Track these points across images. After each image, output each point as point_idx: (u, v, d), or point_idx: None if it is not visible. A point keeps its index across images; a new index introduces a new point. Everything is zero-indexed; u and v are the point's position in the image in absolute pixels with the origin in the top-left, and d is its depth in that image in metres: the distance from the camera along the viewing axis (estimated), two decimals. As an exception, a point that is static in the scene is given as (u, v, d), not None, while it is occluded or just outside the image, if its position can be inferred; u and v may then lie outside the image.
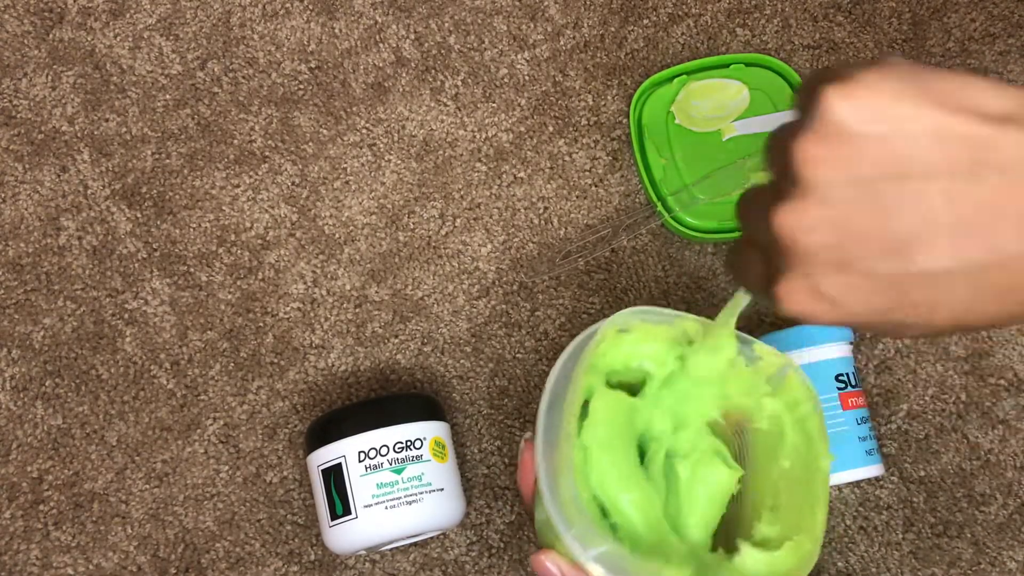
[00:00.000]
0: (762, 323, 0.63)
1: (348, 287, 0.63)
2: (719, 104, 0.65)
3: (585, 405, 0.45)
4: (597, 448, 0.43)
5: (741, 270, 0.36)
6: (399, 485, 0.53)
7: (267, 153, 0.65)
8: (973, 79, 0.30)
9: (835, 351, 0.57)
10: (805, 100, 0.31)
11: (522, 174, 0.65)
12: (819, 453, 0.44)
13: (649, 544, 0.43)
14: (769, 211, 0.32)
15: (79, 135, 0.65)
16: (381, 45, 0.67)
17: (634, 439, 0.45)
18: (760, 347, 0.46)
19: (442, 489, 0.54)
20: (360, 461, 0.53)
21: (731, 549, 0.44)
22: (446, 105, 0.66)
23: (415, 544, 0.59)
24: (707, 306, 0.63)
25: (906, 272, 0.30)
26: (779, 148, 0.32)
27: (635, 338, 0.45)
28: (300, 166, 0.65)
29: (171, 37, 0.66)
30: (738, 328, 0.44)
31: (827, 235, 0.31)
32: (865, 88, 0.30)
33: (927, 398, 0.62)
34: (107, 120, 0.65)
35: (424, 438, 0.55)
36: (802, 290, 0.33)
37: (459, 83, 0.66)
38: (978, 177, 0.29)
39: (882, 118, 0.30)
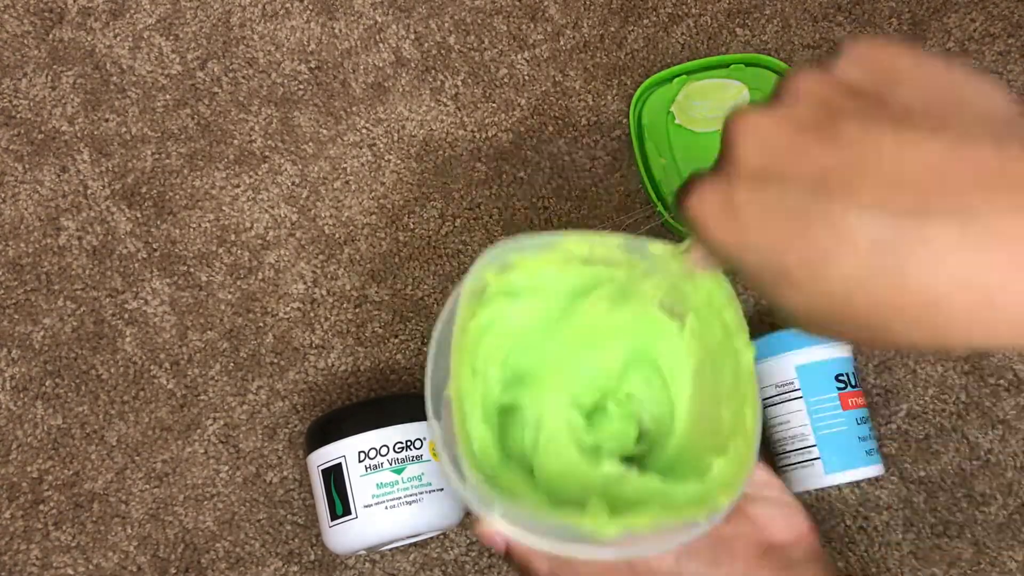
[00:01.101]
0: (762, 323, 0.63)
1: (348, 287, 0.63)
2: (719, 104, 0.65)
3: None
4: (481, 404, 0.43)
5: (681, 193, 0.34)
6: (399, 485, 0.53)
7: (267, 153, 0.65)
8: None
9: (835, 351, 0.57)
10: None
11: (522, 174, 0.65)
12: (738, 348, 0.42)
13: (564, 485, 0.42)
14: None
15: (79, 135, 0.64)
16: (381, 45, 0.67)
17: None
18: (655, 246, 0.43)
19: (442, 489, 0.54)
20: (360, 461, 0.53)
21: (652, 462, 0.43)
22: (446, 105, 0.66)
23: (415, 544, 0.59)
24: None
25: (818, 210, 0.27)
26: (785, 76, 0.31)
27: (520, 277, 0.43)
28: (300, 166, 0.65)
29: (171, 37, 0.66)
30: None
31: (767, 144, 0.29)
32: (880, 44, 0.30)
33: (927, 398, 0.62)
34: (107, 120, 0.65)
35: (424, 438, 0.55)
36: (715, 194, 0.30)
37: (459, 83, 0.66)
38: (941, 137, 0.26)
39: (882, 61, 0.29)
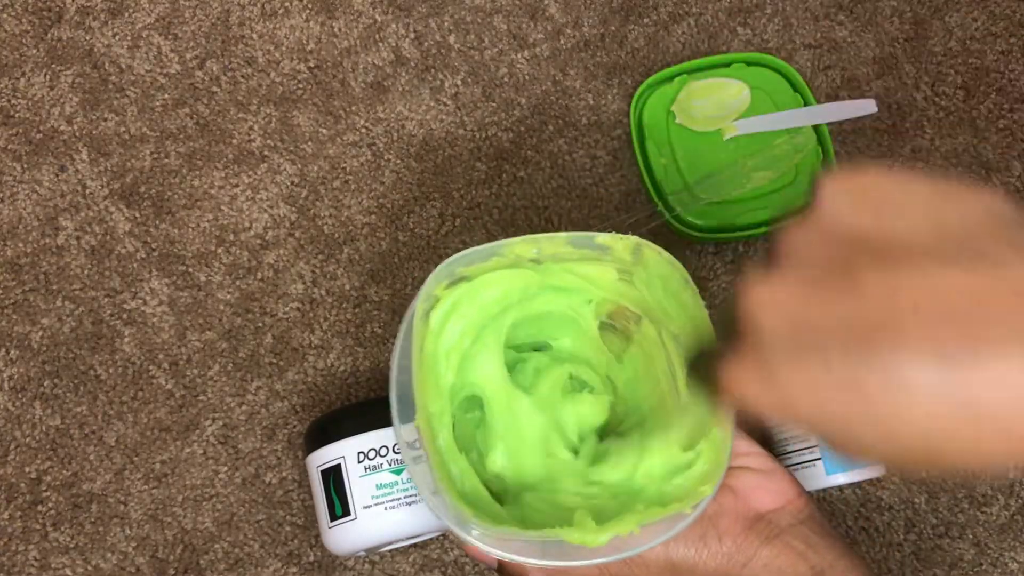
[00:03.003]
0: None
1: (347, 287, 0.63)
2: (720, 103, 0.64)
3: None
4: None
5: (701, 366, 0.33)
6: (399, 486, 0.53)
7: (266, 152, 0.65)
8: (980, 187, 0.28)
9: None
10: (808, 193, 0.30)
11: (522, 174, 0.65)
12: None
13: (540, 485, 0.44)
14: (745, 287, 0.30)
15: (77, 134, 0.64)
16: (380, 44, 0.67)
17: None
18: (603, 237, 0.44)
19: (442, 490, 0.54)
20: (359, 462, 0.53)
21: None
22: (446, 104, 0.66)
23: (415, 545, 0.59)
24: (708, 306, 0.63)
25: (868, 368, 0.26)
26: (776, 234, 0.30)
27: (473, 289, 0.45)
28: (299, 165, 0.64)
29: (170, 36, 0.66)
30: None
31: (789, 312, 0.28)
32: (858, 173, 0.29)
33: (928, 398, 0.61)
34: (105, 119, 0.65)
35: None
36: (751, 372, 0.29)
37: (459, 82, 0.66)
38: (968, 264, 0.26)
39: (869, 194, 0.28)
